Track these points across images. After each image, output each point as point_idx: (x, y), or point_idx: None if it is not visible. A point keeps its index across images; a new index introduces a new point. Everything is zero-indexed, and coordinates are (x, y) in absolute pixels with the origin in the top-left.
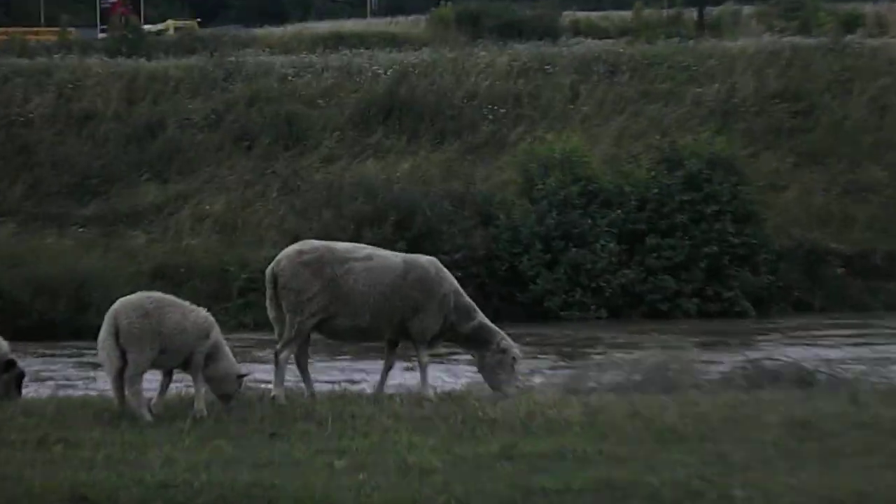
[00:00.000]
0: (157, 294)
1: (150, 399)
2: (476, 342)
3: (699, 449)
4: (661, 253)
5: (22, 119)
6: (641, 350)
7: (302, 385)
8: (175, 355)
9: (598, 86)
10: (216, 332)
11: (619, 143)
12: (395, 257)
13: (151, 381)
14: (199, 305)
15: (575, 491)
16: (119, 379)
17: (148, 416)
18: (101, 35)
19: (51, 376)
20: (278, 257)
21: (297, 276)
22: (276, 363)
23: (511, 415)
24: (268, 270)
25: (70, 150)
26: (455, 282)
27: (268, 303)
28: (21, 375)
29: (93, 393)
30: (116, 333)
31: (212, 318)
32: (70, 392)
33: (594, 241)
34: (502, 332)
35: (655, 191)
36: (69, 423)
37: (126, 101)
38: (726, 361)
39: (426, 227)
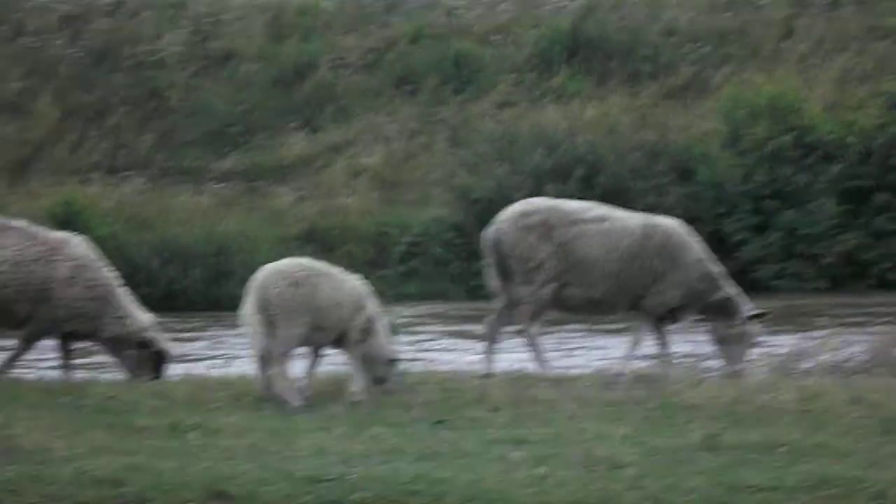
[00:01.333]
0: (308, 261)
1: (297, 381)
2: (721, 313)
3: None
4: (892, 213)
5: (152, 59)
6: (867, 327)
7: (473, 365)
8: (328, 331)
9: (817, 20)
10: (372, 305)
11: (841, 86)
12: (631, 219)
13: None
14: (353, 273)
15: (787, 488)
16: (265, 358)
17: (297, 401)
18: None
19: (184, 354)
20: (498, 219)
21: (523, 242)
22: (529, 343)
23: (715, 400)
24: (487, 235)
25: (207, 94)
26: (703, 247)
27: (489, 271)
28: (161, 355)
29: (233, 373)
30: (264, 306)
31: (367, 288)
32: (206, 372)
33: (811, 200)
34: (750, 303)
35: (881, 139)
36: (205, 407)
37: (271, 39)
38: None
39: (614, 183)
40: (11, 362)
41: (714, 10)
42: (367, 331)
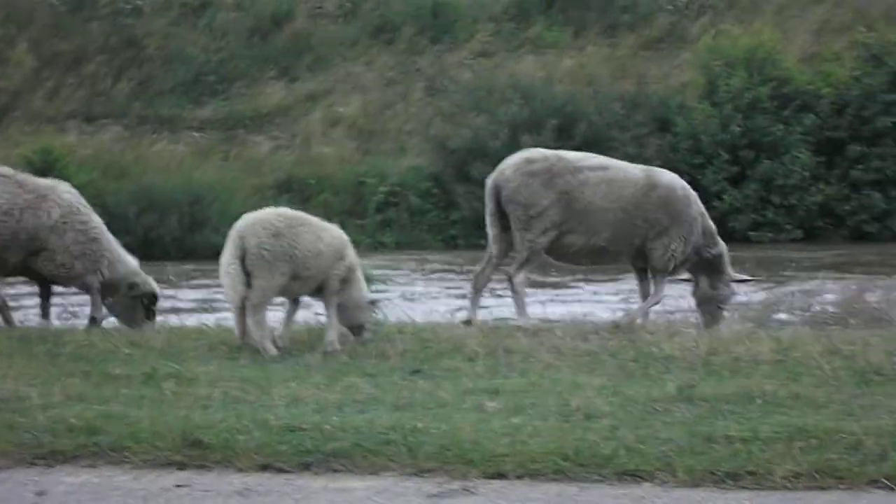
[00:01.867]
0: (287, 210)
1: (273, 330)
2: (709, 270)
3: None
4: (868, 164)
5: (129, 7)
6: (842, 277)
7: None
8: (308, 281)
9: None
10: (351, 253)
11: (818, 38)
12: (634, 169)
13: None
14: (331, 222)
15: (763, 439)
16: (242, 307)
17: (273, 350)
18: None
19: (159, 303)
20: (501, 167)
21: (525, 188)
22: (513, 290)
23: (690, 351)
24: (489, 181)
25: (184, 43)
26: (700, 202)
27: (488, 219)
28: (151, 296)
29: (208, 322)
30: (243, 255)
31: (346, 237)
32: (182, 321)
33: (787, 151)
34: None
35: (857, 93)
36: (181, 356)
37: None
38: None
39: (592, 133)
40: (46, 313)
41: None
42: (347, 280)
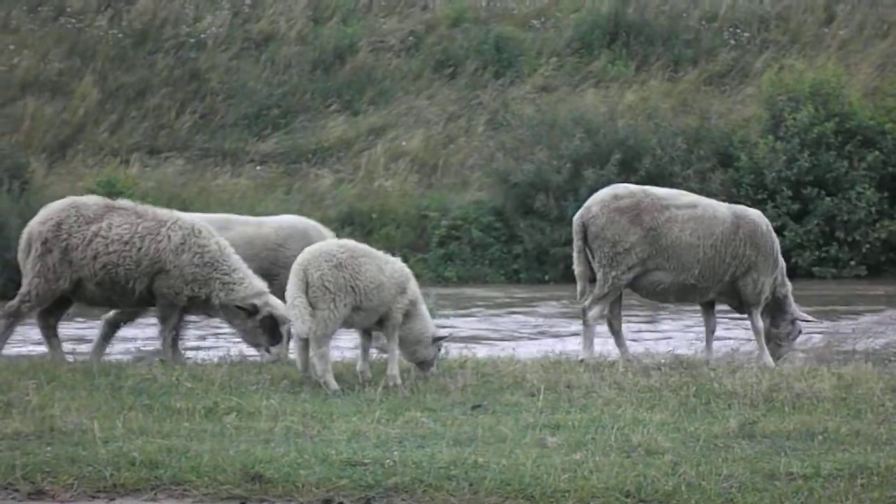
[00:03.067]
0: (349, 242)
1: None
2: (773, 308)
3: None
4: None
5: (193, 41)
6: None
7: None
8: (370, 313)
9: (858, 6)
10: (414, 287)
11: (882, 73)
12: (721, 206)
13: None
14: (393, 256)
15: (825, 476)
16: (306, 340)
17: (334, 384)
18: None
19: (222, 336)
20: (588, 203)
21: (613, 225)
22: (585, 323)
23: (752, 387)
24: (576, 218)
25: (247, 76)
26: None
27: (575, 255)
28: (271, 319)
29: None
30: (306, 287)
31: (409, 271)
32: (244, 354)
33: (850, 187)
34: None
35: None
36: (242, 390)
37: (311, 21)
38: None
39: (655, 168)
40: (171, 345)
41: None
42: (409, 314)
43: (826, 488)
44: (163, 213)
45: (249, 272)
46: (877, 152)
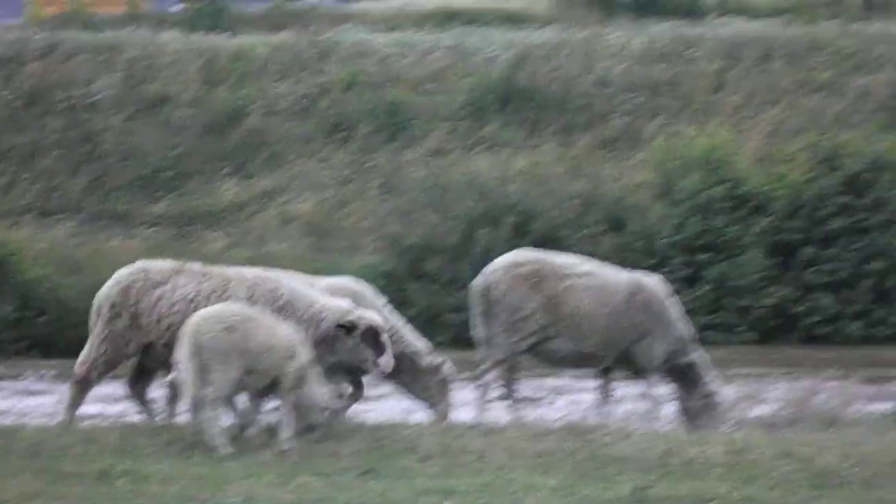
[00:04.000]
0: (239, 306)
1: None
2: (684, 377)
3: (863, 496)
4: (820, 267)
5: (86, 103)
6: (796, 380)
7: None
8: (262, 377)
9: (749, 73)
10: (305, 353)
11: (772, 139)
12: (620, 274)
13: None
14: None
15: None
16: (198, 403)
17: (227, 447)
18: (176, 6)
19: (113, 398)
20: (490, 269)
21: (513, 291)
22: (482, 387)
23: (645, 453)
24: (477, 283)
25: (140, 138)
26: (679, 306)
27: (476, 319)
28: (371, 330)
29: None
30: (197, 350)
31: (300, 336)
32: (137, 418)
33: (741, 252)
34: (714, 370)
35: (811, 195)
36: (135, 453)
37: (205, 84)
38: None
39: (548, 231)
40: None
41: (647, 61)
42: (301, 378)
43: None
44: (230, 270)
45: (328, 298)
46: (768, 217)
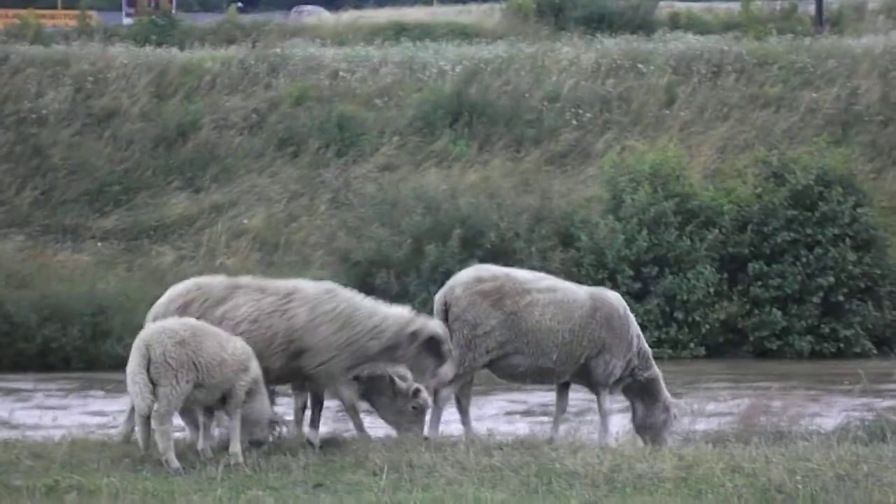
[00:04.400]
0: (191, 320)
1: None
2: (643, 395)
3: None
4: (768, 282)
5: (35, 116)
6: (744, 395)
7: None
8: (212, 391)
9: (699, 88)
10: (256, 366)
11: (722, 154)
12: (580, 290)
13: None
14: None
15: None
16: (148, 418)
17: (175, 462)
18: (126, 20)
19: (61, 412)
20: (451, 283)
21: (474, 307)
22: (435, 401)
23: (593, 467)
24: (438, 297)
25: (89, 152)
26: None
27: None
28: (433, 339)
29: (112, 433)
30: (148, 364)
31: (250, 349)
32: (84, 432)
33: (691, 267)
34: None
35: (758, 206)
36: (84, 468)
37: (154, 98)
38: (843, 410)
39: (498, 245)
40: (358, 424)
41: (597, 76)
42: (251, 392)
43: None
44: (287, 284)
45: (387, 308)
46: (717, 232)
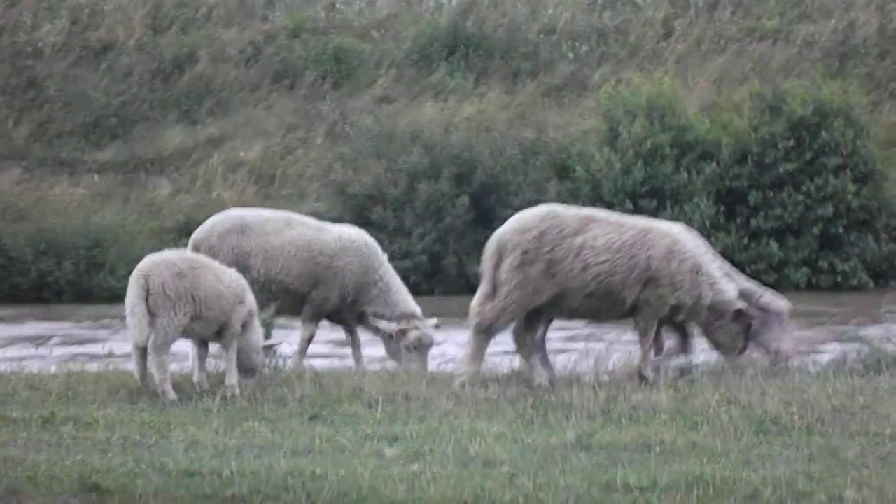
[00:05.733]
0: (188, 252)
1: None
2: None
3: (806, 443)
4: (769, 212)
5: (30, 49)
6: None
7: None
8: (209, 323)
9: (696, 21)
10: (251, 298)
11: (719, 87)
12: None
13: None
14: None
15: (661, 488)
16: (144, 350)
17: (172, 394)
18: None
19: (59, 343)
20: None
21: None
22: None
23: (589, 400)
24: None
25: (85, 85)
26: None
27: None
28: (745, 319)
29: (108, 365)
30: (146, 295)
31: (245, 282)
32: (81, 364)
33: (688, 199)
34: None
35: (756, 138)
36: (80, 400)
37: (150, 30)
38: (840, 342)
39: (491, 179)
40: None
41: (594, 9)
42: (246, 324)
43: (662, 500)
44: (643, 222)
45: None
46: (714, 165)
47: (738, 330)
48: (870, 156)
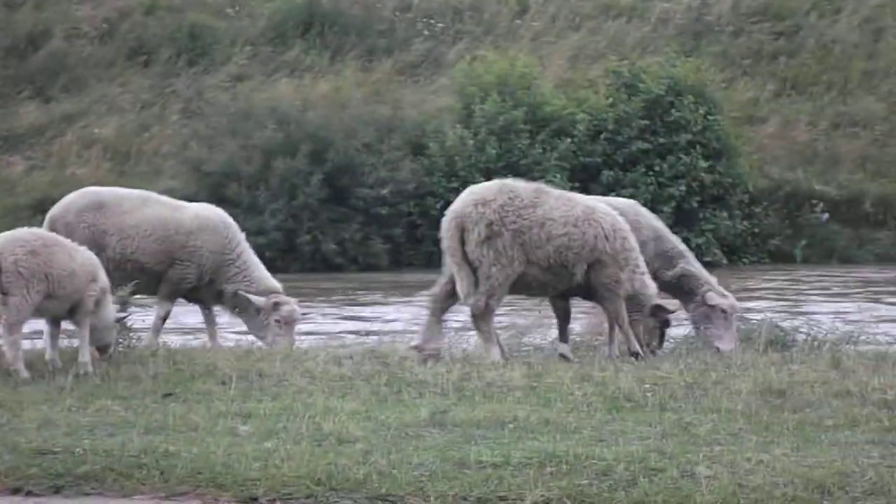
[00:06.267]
0: (40, 230)
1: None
2: None
3: (659, 419)
4: (621, 191)
5: None
6: (593, 308)
7: (205, 340)
8: (62, 301)
9: None
10: (103, 276)
11: (574, 64)
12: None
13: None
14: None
15: (514, 464)
16: None
17: (24, 372)
18: None
19: None
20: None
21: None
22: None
23: (443, 377)
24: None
25: None
26: None
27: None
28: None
29: None
30: None
31: (97, 260)
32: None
33: (543, 175)
34: None
35: (611, 115)
36: None
37: (4, 6)
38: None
39: (345, 157)
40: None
41: None
42: (99, 302)
43: (516, 476)
44: (586, 200)
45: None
46: (568, 141)
47: (653, 325)
48: (723, 132)
